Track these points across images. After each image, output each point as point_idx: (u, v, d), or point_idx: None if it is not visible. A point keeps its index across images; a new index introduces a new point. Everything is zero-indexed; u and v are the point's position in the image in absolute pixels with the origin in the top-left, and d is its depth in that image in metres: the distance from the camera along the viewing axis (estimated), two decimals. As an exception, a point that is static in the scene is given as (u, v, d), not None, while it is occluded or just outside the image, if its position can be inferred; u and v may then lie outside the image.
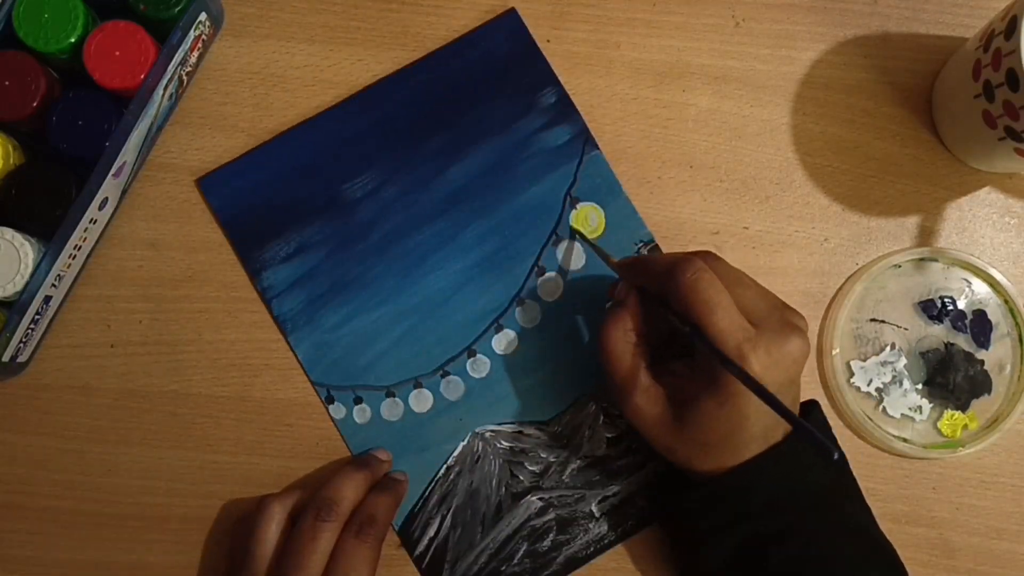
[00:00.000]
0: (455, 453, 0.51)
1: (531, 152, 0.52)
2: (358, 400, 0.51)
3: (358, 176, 0.52)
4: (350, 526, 0.46)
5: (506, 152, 0.52)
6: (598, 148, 0.52)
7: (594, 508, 0.51)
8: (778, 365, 0.42)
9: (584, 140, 0.52)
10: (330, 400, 0.51)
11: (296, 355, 0.51)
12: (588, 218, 0.52)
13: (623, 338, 0.45)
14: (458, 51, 0.53)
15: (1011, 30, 0.44)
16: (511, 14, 0.53)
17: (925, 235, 0.53)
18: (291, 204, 0.52)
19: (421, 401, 0.51)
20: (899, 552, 0.51)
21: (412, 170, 0.52)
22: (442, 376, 0.51)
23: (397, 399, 0.51)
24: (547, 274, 0.52)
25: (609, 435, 0.51)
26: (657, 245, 0.52)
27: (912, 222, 0.53)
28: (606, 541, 0.51)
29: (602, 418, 0.51)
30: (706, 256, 0.44)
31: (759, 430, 0.42)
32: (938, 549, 0.52)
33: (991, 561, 0.52)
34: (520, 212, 0.52)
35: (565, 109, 0.53)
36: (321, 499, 0.46)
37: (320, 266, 0.51)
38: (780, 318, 0.43)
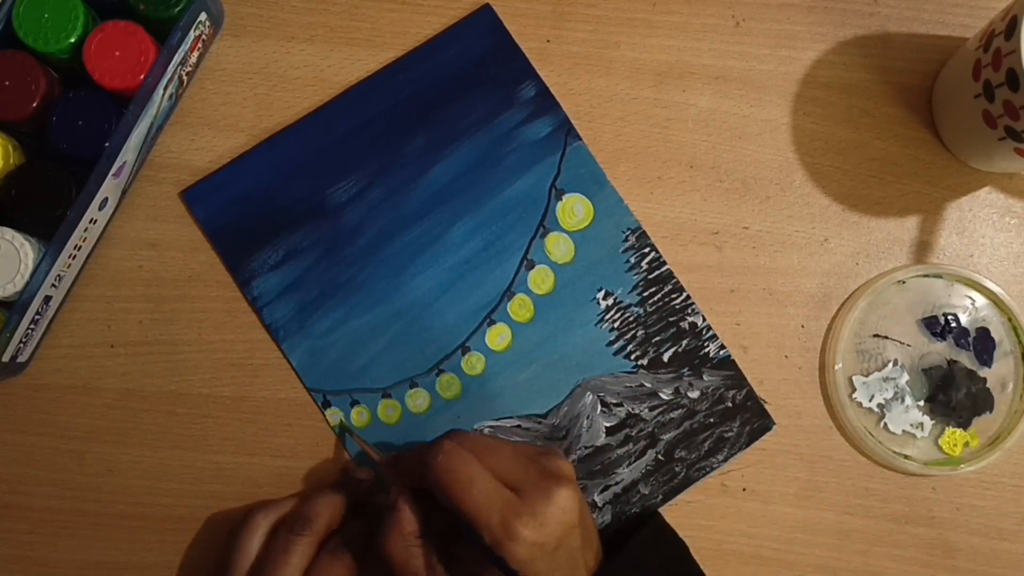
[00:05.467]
0: None
1: (514, 146, 0.52)
2: (355, 403, 0.51)
3: (342, 180, 0.52)
4: (327, 544, 0.46)
5: (489, 148, 0.52)
6: (580, 139, 0.52)
7: (597, 498, 0.51)
8: (549, 523, 0.41)
9: (566, 131, 0.52)
10: (327, 405, 0.51)
11: (290, 362, 0.51)
12: (574, 209, 0.52)
13: (404, 544, 0.43)
14: (434, 50, 0.53)
15: (1011, 30, 0.44)
16: (485, 9, 0.53)
17: (925, 235, 0.53)
18: (277, 211, 0.52)
19: (418, 401, 0.51)
20: (899, 552, 0.52)
21: (396, 171, 0.52)
22: (437, 375, 0.51)
23: (394, 400, 0.51)
24: (537, 267, 0.52)
25: (608, 424, 0.51)
26: (644, 232, 0.52)
27: (912, 222, 0.53)
28: (611, 531, 0.51)
29: (599, 407, 0.51)
30: (452, 435, 0.44)
31: None
32: (938, 549, 0.52)
33: (991, 561, 0.52)
34: (506, 207, 0.52)
35: (545, 101, 0.53)
36: (297, 514, 0.47)
37: (309, 272, 0.51)
38: (539, 471, 0.43)
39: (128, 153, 0.48)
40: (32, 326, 0.48)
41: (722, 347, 0.52)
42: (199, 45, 0.50)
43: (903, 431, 0.52)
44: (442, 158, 0.52)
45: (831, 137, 0.53)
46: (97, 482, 0.51)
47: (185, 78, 0.51)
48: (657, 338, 0.52)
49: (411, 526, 0.44)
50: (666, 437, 0.51)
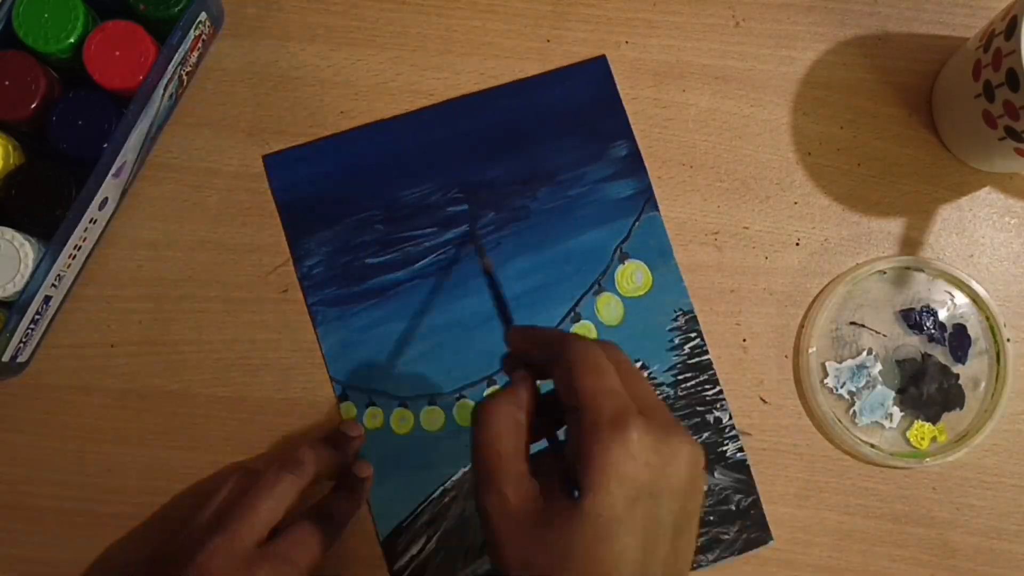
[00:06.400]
0: (455, 477, 0.51)
1: (593, 199, 0.52)
2: (370, 404, 0.51)
3: (418, 185, 0.52)
4: (310, 511, 0.47)
5: (569, 194, 0.52)
6: (658, 210, 0.52)
7: None
8: (662, 455, 0.33)
9: (646, 199, 0.52)
10: (344, 398, 0.51)
11: (321, 347, 0.51)
12: (634, 275, 0.52)
13: (509, 413, 0.36)
14: (541, 85, 0.53)
15: (1011, 30, 0.44)
16: (601, 60, 0.53)
17: (925, 235, 0.53)
18: (348, 199, 0.52)
19: (433, 419, 0.51)
20: (899, 552, 0.52)
21: (472, 190, 0.52)
22: (458, 399, 0.51)
23: (409, 411, 0.51)
24: (582, 322, 0.52)
25: None
26: (695, 316, 0.52)
27: (912, 222, 0.53)
28: None
29: None
30: (606, 343, 0.38)
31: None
32: (938, 549, 0.52)
33: (991, 561, 0.52)
34: (568, 256, 0.52)
35: (633, 164, 0.53)
36: (287, 456, 0.47)
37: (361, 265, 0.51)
38: (671, 417, 0.36)
39: (128, 153, 0.48)
40: (32, 326, 0.48)
41: (740, 449, 0.51)
42: (199, 45, 0.50)
43: (872, 421, 0.52)
44: (521, 191, 0.52)
45: (831, 137, 0.53)
46: (97, 482, 0.51)
47: (185, 78, 0.51)
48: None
49: (526, 403, 0.37)
50: None
